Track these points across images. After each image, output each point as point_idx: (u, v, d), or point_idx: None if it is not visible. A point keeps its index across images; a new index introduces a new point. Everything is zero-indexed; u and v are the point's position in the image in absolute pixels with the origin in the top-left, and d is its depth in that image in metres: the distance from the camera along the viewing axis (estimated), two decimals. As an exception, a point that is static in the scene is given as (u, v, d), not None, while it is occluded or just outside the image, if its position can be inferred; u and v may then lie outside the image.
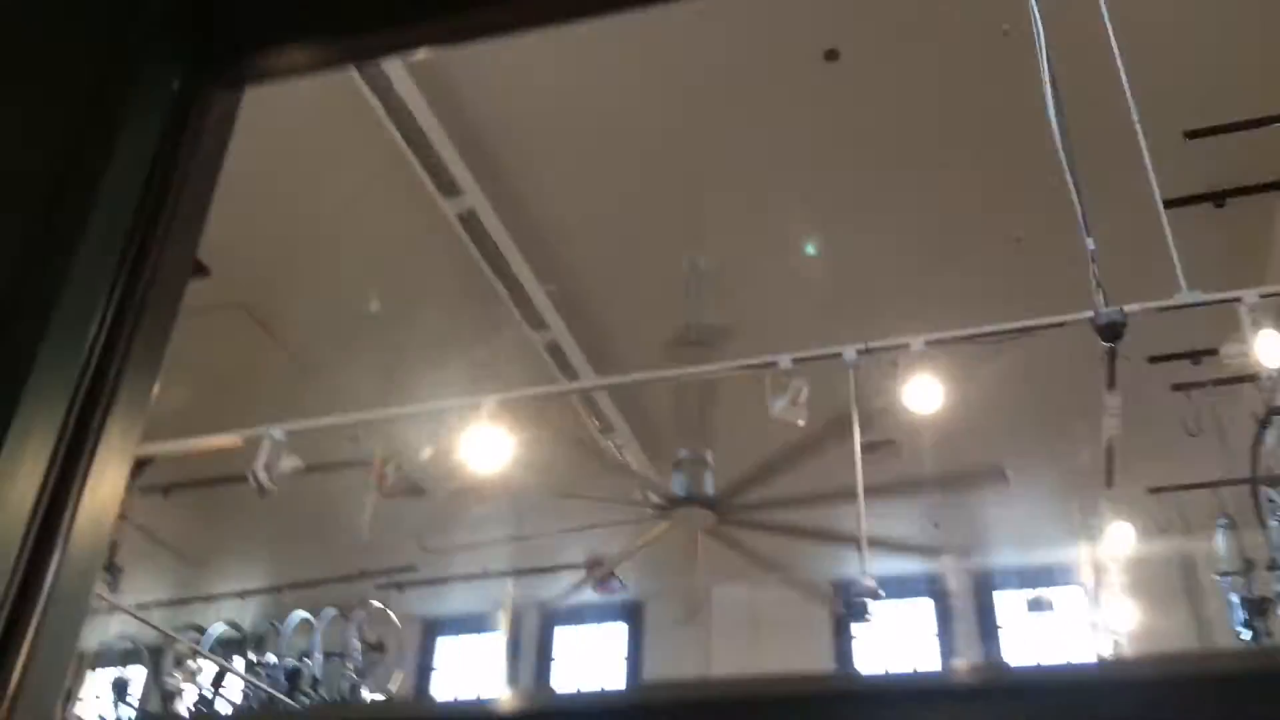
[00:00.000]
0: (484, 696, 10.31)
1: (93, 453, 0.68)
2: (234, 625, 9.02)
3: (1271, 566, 6.27)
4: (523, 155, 5.71)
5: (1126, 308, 3.63)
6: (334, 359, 6.81)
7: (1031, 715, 0.55)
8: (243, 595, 9.48)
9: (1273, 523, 6.14)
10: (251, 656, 8.68)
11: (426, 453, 4.78)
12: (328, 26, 0.76)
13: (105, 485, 0.69)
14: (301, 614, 8.52)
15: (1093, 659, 7.78)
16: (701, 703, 0.61)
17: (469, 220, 5.75)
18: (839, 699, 0.59)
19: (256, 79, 0.76)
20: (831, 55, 5.15)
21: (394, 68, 4.90)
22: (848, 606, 3.87)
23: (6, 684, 0.62)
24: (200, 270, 6.07)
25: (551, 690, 10.78)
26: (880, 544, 6.25)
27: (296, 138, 5.41)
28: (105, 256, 0.65)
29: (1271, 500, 6.07)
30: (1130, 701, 0.53)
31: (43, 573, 0.66)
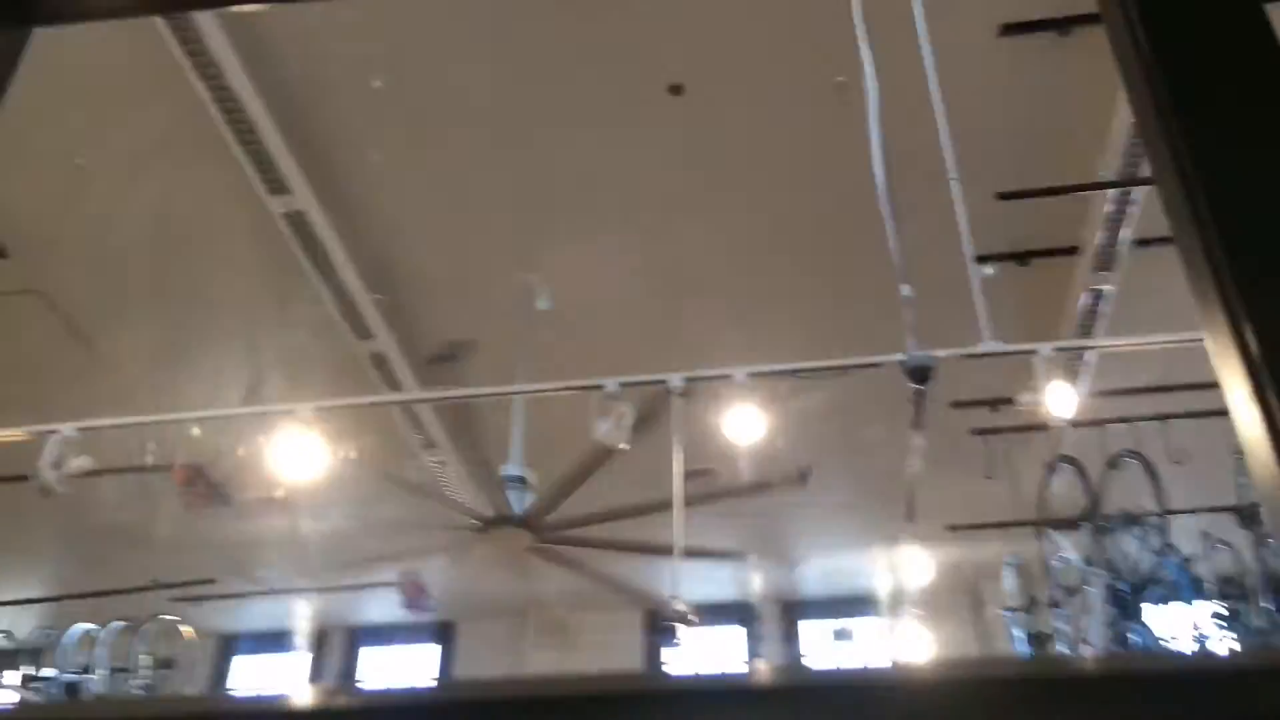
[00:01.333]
0: (279, 691, 9.87)
1: None
2: (7, 635, 8.35)
3: (1053, 604, 6.70)
4: (357, 160, 5.57)
5: (936, 353, 3.83)
6: (138, 354, 6.43)
7: (828, 714, 0.57)
8: (20, 603, 8.78)
9: (1054, 563, 6.58)
10: (27, 670, 8.04)
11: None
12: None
13: None
14: (84, 626, 7.97)
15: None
16: (510, 701, 0.61)
17: (296, 221, 5.55)
18: (647, 698, 0.60)
19: (45, 20, 0.70)
20: (676, 90, 5.25)
21: (223, 49, 4.69)
22: (660, 629, 3.91)
23: None
24: (-5, 252, 5.65)
25: (355, 687, 10.43)
26: (694, 553, 6.37)
27: (113, 116, 5.12)
28: None
29: (1053, 542, 6.50)
30: (916, 703, 0.56)
31: None
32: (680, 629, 3.72)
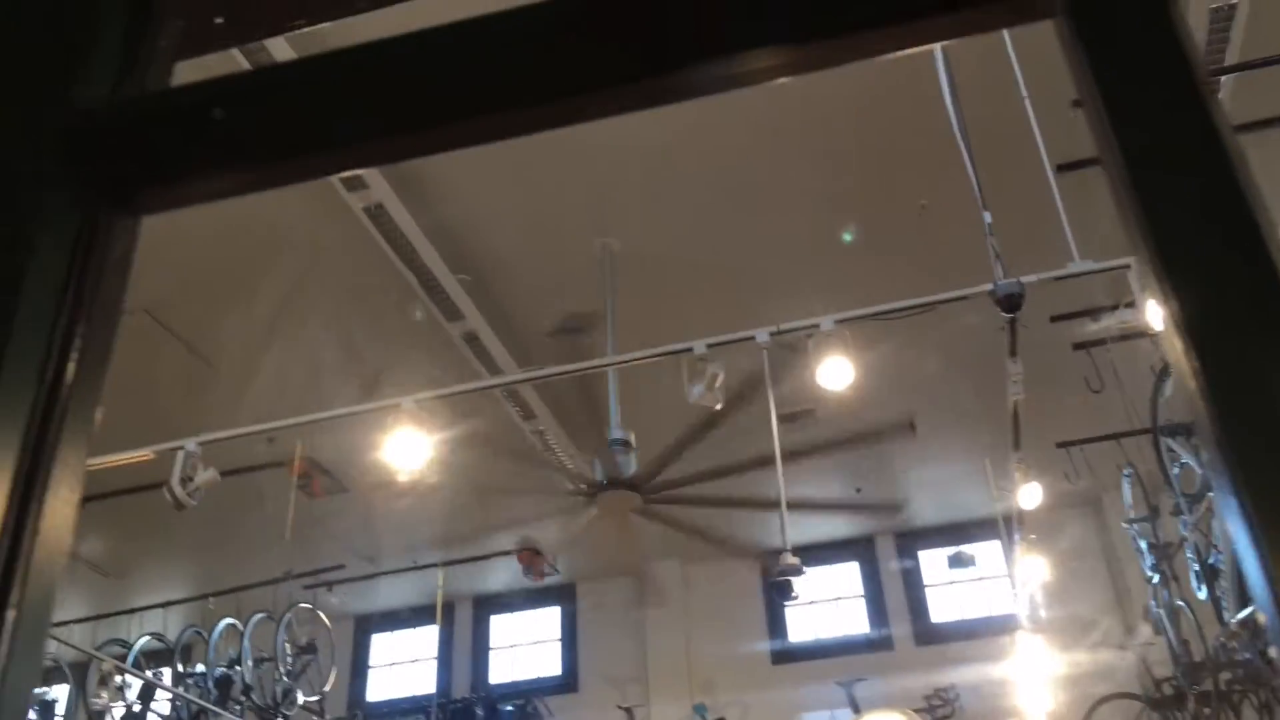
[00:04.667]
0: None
1: (43, 493, 0.71)
2: (158, 637, 8.83)
3: (1175, 512, 6.53)
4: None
5: (1023, 279, 3.75)
6: (244, 359, 6.68)
7: None
8: (166, 605, 9.28)
9: (1174, 470, 6.41)
10: (179, 668, 8.51)
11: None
12: (236, 157, 0.76)
13: (60, 512, 0.71)
14: (228, 620, 8.38)
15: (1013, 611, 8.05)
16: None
17: (376, 213, 5.67)
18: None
19: (159, 209, 0.77)
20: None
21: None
22: (773, 586, 3.95)
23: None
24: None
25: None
26: (805, 506, 6.39)
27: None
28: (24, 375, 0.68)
29: (1171, 449, 6.32)
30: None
31: (6, 601, 0.68)
32: (794, 581, 3.76)
